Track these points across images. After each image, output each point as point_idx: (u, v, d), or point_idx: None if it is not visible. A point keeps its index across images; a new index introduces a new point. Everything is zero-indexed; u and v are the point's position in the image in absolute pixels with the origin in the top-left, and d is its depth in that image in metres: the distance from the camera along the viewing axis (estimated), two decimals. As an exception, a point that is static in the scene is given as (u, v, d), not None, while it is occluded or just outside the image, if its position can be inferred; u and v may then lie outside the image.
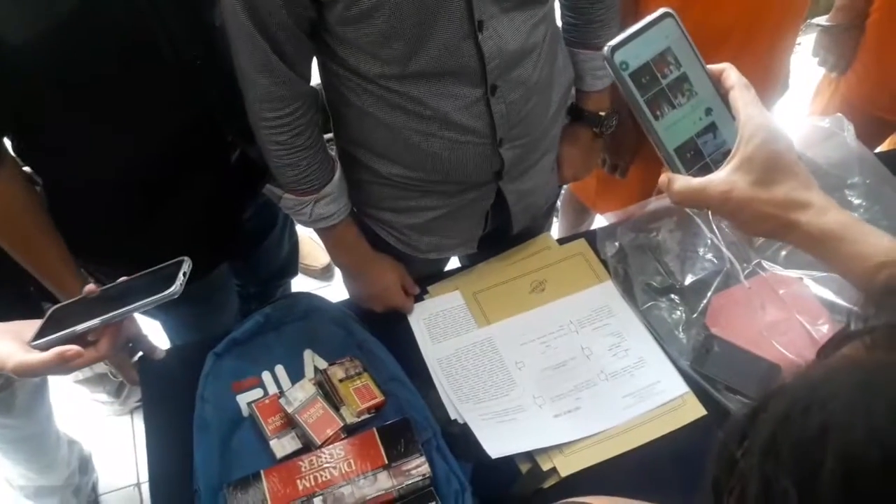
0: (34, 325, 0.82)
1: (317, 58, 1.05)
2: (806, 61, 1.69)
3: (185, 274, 0.81)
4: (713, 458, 0.34)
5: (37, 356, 0.77)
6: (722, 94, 0.66)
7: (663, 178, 0.67)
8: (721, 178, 0.63)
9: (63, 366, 0.78)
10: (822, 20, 1.58)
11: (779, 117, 1.61)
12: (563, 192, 1.97)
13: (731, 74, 0.65)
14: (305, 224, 1.16)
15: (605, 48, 0.64)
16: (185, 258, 0.83)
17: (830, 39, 1.57)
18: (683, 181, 0.65)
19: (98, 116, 0.99)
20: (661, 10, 0.64)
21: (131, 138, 1.04)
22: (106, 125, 1.01)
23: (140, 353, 1.22)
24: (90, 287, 0.83)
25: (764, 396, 0.33)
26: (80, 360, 0.78)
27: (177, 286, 0.80)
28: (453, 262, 1.41)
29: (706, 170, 0.66)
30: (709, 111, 0.66)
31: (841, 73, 1.60)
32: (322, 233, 1.19)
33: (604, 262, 1.27)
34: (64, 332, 0.80)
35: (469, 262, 1.33)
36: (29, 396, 1.52)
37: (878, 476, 0.27)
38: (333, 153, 1.16)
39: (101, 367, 1.83)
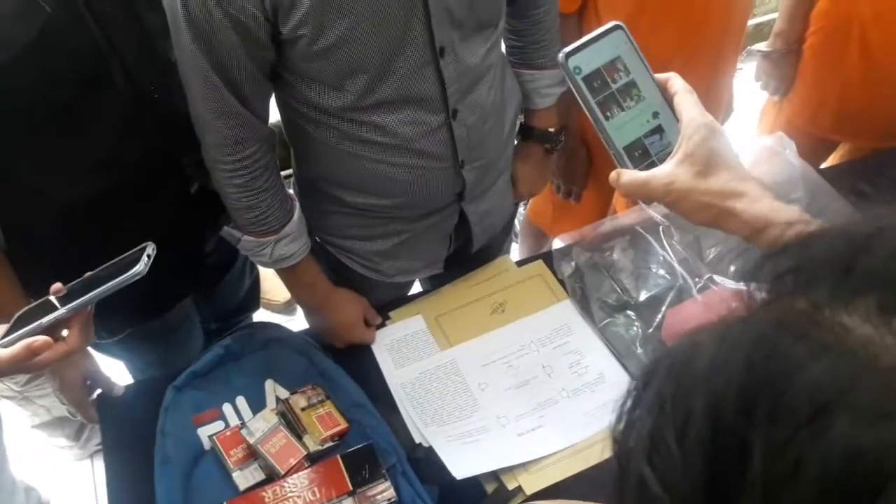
0: (1, 328, 0.80)
1: (276, 95, 1.06)
2: (751, 85, 1.76)
3: (149, 256, 0.79)
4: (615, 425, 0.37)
5: (6, 351, 0.75)
6: (668, 99, 0.71)
7: (613, 174, 0.71)
8: (664, 171, 0.68)
9: (32, 359, 0.75)
10: (761, 46, 1.65)
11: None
12: (521, 218, 2.01)
13: (675, 82, 0.70)
14: (265, 265, 1.16)
15: (560, 54, 0.69)
16: (149, 242, 0.81)
17: (770, 64, 1.64)
18: (631, 174, 0.70)
19: (54, 147, 0.99)
20: (612, 23, 0.70)
21: (88, 169, 1.03)
22: (62, 156, 1.01)
23: (98, 391, 1.20)
24: (56, 286, 0.80)
25: (653, 360, 0.36)
26: (49, 354, 0.76)
27: (142, 266, 0.79)
28: (416, 287, 1.42)
29: (652, 167, 0.70)
30: (656, 114, 0.71)
31: (783, 97, 1.67)
32: (282, 273, 1.19)
33: (561, 282, 1.29)
34: (31, 327, 0.78)
35: (431, 286, 1.34)
36: (-17, 441, 1.48)
37: (736, 408, 0.30)
38: (291, 191, 1.17)
39: (58, 411, 1.78)
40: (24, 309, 0.84)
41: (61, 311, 0.78)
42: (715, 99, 1.58)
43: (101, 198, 1.02)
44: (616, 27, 0.70)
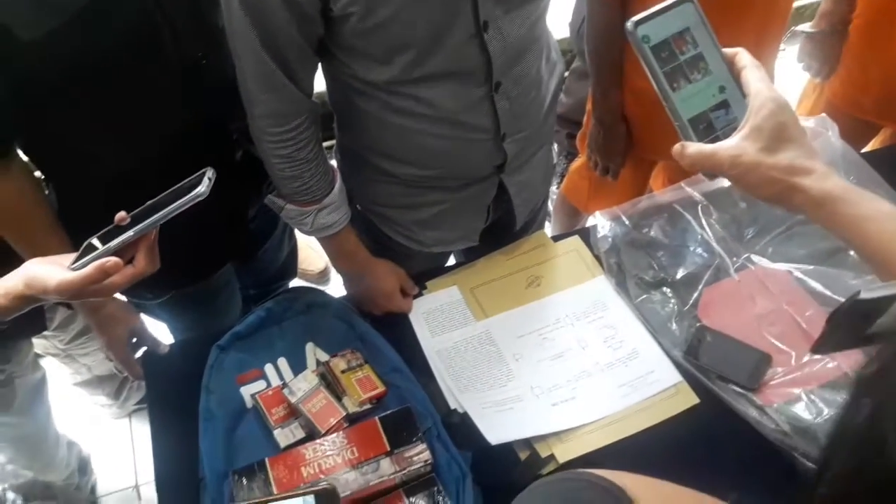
0: (71, 255, 0.82)
1: (323, 67, 1.08)
2: (792, 67, 1.74)
3: (209, 178, 0.79)
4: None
5: (78, 273, 0.77)
6: (735, 75, 0.71)
7: (677, 147, 0.71)
8: (732, 144, 0.68)
9: (103, 281, 0.77)
10: (805, 27, 1.63)
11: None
12: (555, 196, 2.01)
13: (743, 56, 0.71)
14: (307, 233, 1.19)
15: (629, 22, 0.69)
16: (209, 167, 0.81)
17: (814, 45, 1.62)
18: (696, 147, 0.70)
19: (104, 114, 1.02)
20: None
21: (137, 137, 1.06)
22: (112, 123, 1.03)
23: (144, 349, 1.24)
24: (121, 214, 0.81)
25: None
26: (118, 277, 0.78)
27: (203, 187, 0.79)
28: (451, 260, 1.44)
29: (716, 142, 0.70)
30: (722, 89, 0.71)
31: (825, 79, 1.65)
32: (323, 241, 1.22)
33: (597, 258, 1.30)
34: (101, 250, 0.79)
35: (466, 259, 1.36)
36: (28, 395, 1.54)
37: None
38: (333, 163, 1.19)
39: (99, 369, 1.84)
40: (91, 238, 0.85)
41: (129, 233, 0.79)
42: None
43: (150, 162, 1.05)
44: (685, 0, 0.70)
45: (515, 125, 1.13)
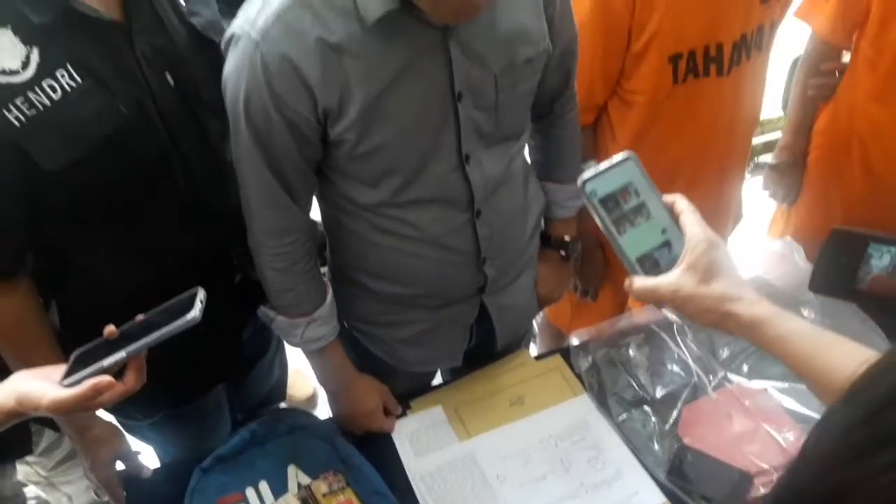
0: (60, 368, 0.85)
1: (318, 190, 1.16)
2: (762, 192, 1.84)
3: (201, 301, 0.82)
4: None
5: (71, 391, 0.79)
6: (674, 217, 0.80)
7: (627, 281, 0.80)
8: (671, 279, 0.77)
9: (95, 399, 0.79)
10: (767, 158, 1.75)
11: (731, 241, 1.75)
12: (540, 318, 2.06)
13: (680, 202, 0.81)
14: (296, 345, 1.22)
15: (579, 180, 0.79)
16: (199, 287, 0.85)
17: (777, 175, 1.73)
18: (642, 281, 0.79)
19: (111, 236, 1.08)
20: (624, 154, 0.80)
21: (145, 261, 1.12)
22: (118, 245, 1.09)
23: (123, 468, 1.23)
24: (110, 329, 0.85)
25: None
26: (109, 395, 0.81)
27: (196, 311, 0.82)
28: (437, 379, 1.46)
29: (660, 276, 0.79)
30: (664, 231, 0.81)
31: (790, 205, 1.75)
32: (310, 355, 1.25)
33: (579, 377, 1.33)
34: (92, 368, 0.82)
35: (452, 377, 1.38)
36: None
37: None
38: (326, 278, 1.25)
39: (80, 500, 1.80)
40: (79, 350, 0.88)
41: (122, 354, 0.83)
42: (724, 207, 1.66)
43: (153, 283, 1.09)
44: (628, 157, 0.80)
45: (495, 250, 1.20)
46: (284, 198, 1.06)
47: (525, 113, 1.16)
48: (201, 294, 0.87)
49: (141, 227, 1.08)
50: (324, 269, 1.25)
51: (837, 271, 1.08)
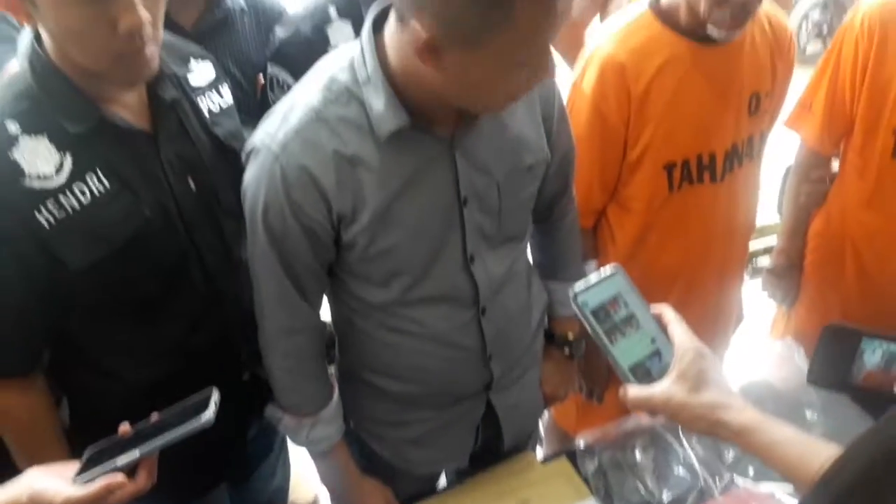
0: (73, 465, 0.86)
1: (329, 290, 1.20)
2: (764, 294, 1.87)
3: (216, 403, 0.84)
4: None
5: (84, 490, 0.81)
6: (662, 328, 0.85)
7: (621, 390, 0.83)
8: (662, 388, 0.81)
9: (108, 497, 0.81)
10: (765, 262, 1.80)
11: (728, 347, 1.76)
12: (546, 419, 2.05)
13: (667, 313, 0.85)
14: (301, 444, 1.23)
15: (571, 292, 0.83)
16: (213, 387, 0.86)
17: (775, 279, 1.77)
18: (635, 391, 0.82)
19: (127, 332, 1.11)
20: (611, 268, 0.85)
21: (158, 358, 1.14)
22: (137, 345, 1.12)
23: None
24: (125, 427, 0.86)
25: None
26: (121, 493, 0.82)
27: (210, 413, 0.84)
28: (441, 480, 1.45)
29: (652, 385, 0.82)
30: (653, 340, 0.85)
31: (789, 307, 1.78)
32: (315, 455, 1.26)
33: (585, 480, 1.32)
34: (106, 467, 0.83)
35: (458, 481, 1.37)
36: None
37: None
38: (333, 378, 1.27)
39: None
40: (93, 447, 0.89)
41: (136, 454, 0.84)
42: (724, 309, 1.69)
43: (164, 381, 1.12)
44: (615, 272, 0.85)
45: (500, 347, 1.22)
46: (296, 298, 1.10)
47: (526, 216, 1.22)
48: (215, 395, 0.89)
49: (156, 324, 1.12)
50: (330, 369, 1.28)
51: (832, 366, 1.11)
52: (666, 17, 1.38)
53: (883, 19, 1.46)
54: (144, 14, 0.94)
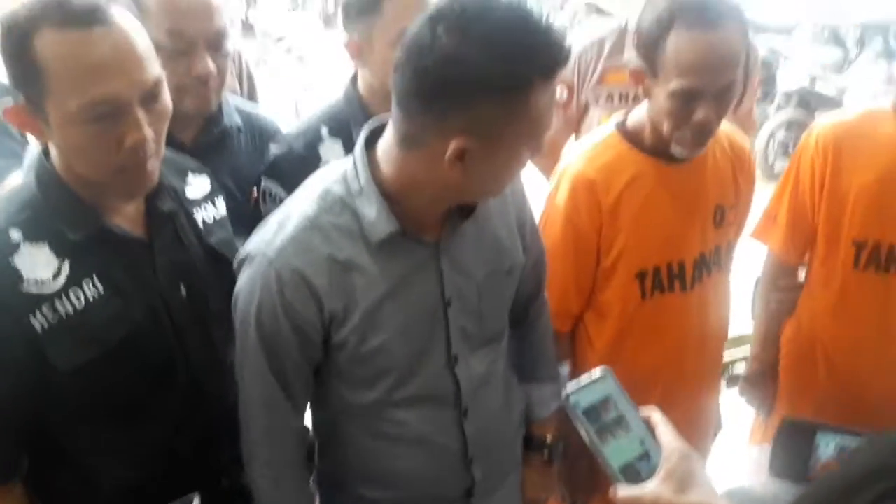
0: None
1: (313, 396, 1.22)
2: (742, 401, 1.90)
3: None
4: None
5: None
6: (650, 430, 0.88)
7: (612, 490, 0.86)
8: (651, 488, 0.84)
9: None
10: (740, 369, 1.84)
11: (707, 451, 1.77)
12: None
13: (655, 416, 0.90)
14: None
15: (563, 393, 0.88)
16: (196, 494, 0.87)
17: (750, 386, 1.81)
18: (626, 490, 0.85)
19: (114, 437, 1.12)
20: (602, 370, 0.90)
21: (139, 460, 1.15)
22: (118, 446, 1.13)
23: None
24: None
25: None
26: None
27: None
28: None
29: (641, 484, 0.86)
30: (642, 442, 0.88)
31: (767, 415, 1.80)
32: None
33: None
34: None
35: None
36: None
37: None
38: (312, 486, 1.27)
39: None
40: None
41: None
42: (702, 417, 1.72)
43: (145, 482, 1.12)
44: (605, 374, 0.90)
45: (482, 450, 1.25)
46: (283, 400, 1.13)
47: (504, 316, 1.28)
48: (196, 501, 0.89)
49: (140, 424, 1.13)
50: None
51: (790, 459, 1.13)
52: (631, 136, 1.49)
53: (836, 138, 1.57)
54: (149, 132, 1.02)
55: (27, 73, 0.99)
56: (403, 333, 1.12)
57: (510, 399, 1.33)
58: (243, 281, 1.10)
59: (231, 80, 2.01)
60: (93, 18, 0.97)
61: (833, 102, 4.79)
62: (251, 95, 2.12)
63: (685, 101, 1.35)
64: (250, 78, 2.16)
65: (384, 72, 1.25)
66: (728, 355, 1.95)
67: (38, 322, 1.02)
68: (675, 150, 1.44)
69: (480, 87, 0.94)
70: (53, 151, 1.07)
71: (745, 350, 3.04)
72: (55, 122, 1.00)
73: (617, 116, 1.57)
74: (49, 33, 0.97)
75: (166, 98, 1.07)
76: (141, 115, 1.01)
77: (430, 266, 1.13)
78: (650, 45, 1.36)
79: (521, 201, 1.26)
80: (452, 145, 0.97)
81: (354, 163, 1.09)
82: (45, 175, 1.07)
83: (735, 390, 1.93)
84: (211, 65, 1.37)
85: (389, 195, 1.07)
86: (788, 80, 5.21)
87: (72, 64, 0.97)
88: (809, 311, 1.70)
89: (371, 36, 1.46)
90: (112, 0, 1.01)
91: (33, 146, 1.12)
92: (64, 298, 1.04)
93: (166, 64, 1.11)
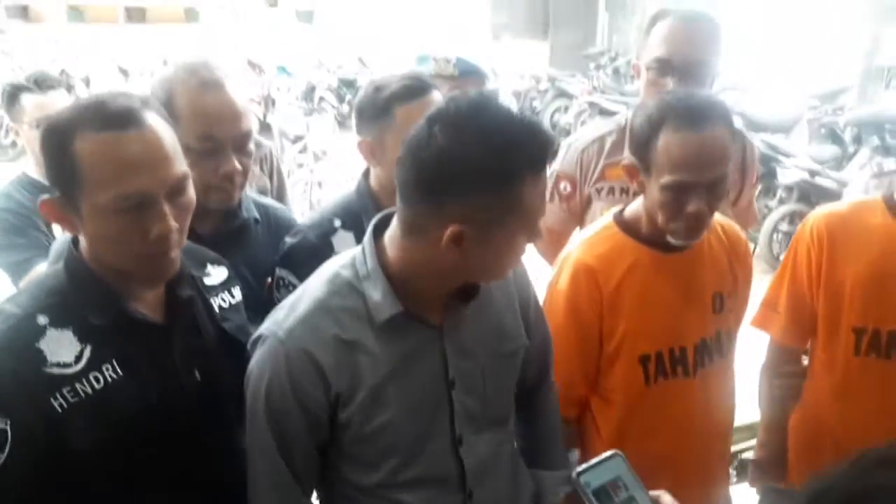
0: None
1: (318, 478, 1.23)
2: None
3: None
4: None
5: None
6: None
7: None
8: None
9: None
10: (749, 455, 1.83)
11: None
12: None
13: (664, 498, 0.92)
14: None
15: (574, 472, 0.91)
16: None
17: (759, 473, 1.80)
18: None
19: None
20: (612, 451, 0.92)
21: None
22: None
23: None
24: None
25: None
26: None
27: None
28: None
29: None
30: None
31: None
32: None
33: None
34: None
35: None
36: None
37: None
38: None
39: None
40: None
41: None
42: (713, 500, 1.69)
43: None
44: (615, 455, 0.92)
45: None
46: (290, 480, 1.15)
47: (509, 398, 1.30)
48: None
49: (151, 494, 1.15)
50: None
51: None
52: (628, 227, 1.56)
53: (829, 228, 1.62)
54: (173, 223, 1.09)
55: (65, 171, 1.07)
56: (407, 413, 1.15)
57: (518, 484, 1.34)
58: (255, 360, 1.15)
59: (262, 176, 2.15)
60: (127, 121, 1.07)
61: (833, 195, 4.88)
62: (280, 189, 2.27)
63: (677, 195, 1.42)
64: (279, 174, 2.32)
65: (394, 170, 1.34)
66: (737, 444, 1.94)
67: (57, 403, 1.06)
68: (671, 239, 1.50)
69: (474, 179, 1.03)
70: (83, 242, 1.15)
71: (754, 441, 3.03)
72: (87, 213, 1.08)
73: (616, 208, 1.65)
74: (88, 135, 1.06)
75: (191, 192, 1.15)
76: (167, 208, 1.09)
77: (434, 347, 1.18)
78: (642, 145, 1.45)
79: (525, 284, 1.32)
80: (449, 231, 1.04)
81: (363, 249, 1.16)
82: (74, 263, 1.14)
83: (745, 482, 1.91)
84: (237, 164, 1.46)
85: (394, 279, 1.13)
86: (789, 175, 5.34)
87: (106, 161, 1.05)
88: (814, 397, 1.70)
89: (383, 138, 1.55)
90: (145, 104, 1.11)
91: (60, 238, 1.19)
92: (84, 380, 1.09)
93: (195, 164, 1.19)
